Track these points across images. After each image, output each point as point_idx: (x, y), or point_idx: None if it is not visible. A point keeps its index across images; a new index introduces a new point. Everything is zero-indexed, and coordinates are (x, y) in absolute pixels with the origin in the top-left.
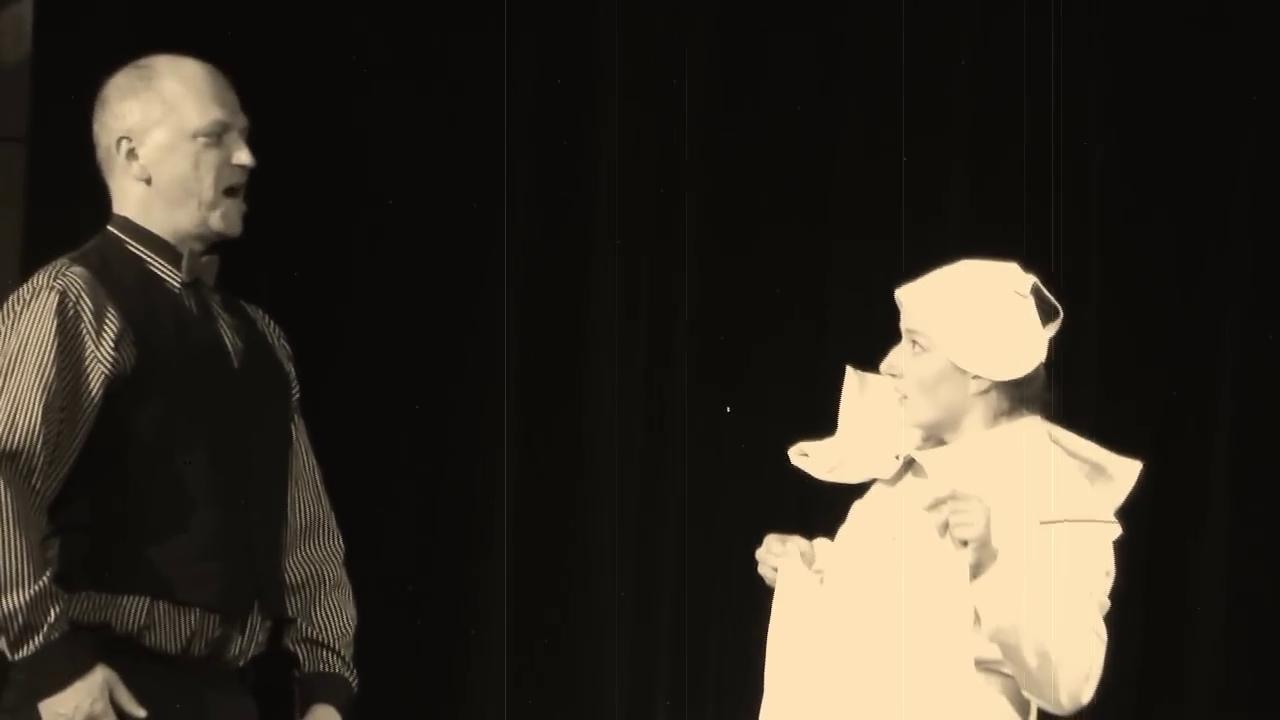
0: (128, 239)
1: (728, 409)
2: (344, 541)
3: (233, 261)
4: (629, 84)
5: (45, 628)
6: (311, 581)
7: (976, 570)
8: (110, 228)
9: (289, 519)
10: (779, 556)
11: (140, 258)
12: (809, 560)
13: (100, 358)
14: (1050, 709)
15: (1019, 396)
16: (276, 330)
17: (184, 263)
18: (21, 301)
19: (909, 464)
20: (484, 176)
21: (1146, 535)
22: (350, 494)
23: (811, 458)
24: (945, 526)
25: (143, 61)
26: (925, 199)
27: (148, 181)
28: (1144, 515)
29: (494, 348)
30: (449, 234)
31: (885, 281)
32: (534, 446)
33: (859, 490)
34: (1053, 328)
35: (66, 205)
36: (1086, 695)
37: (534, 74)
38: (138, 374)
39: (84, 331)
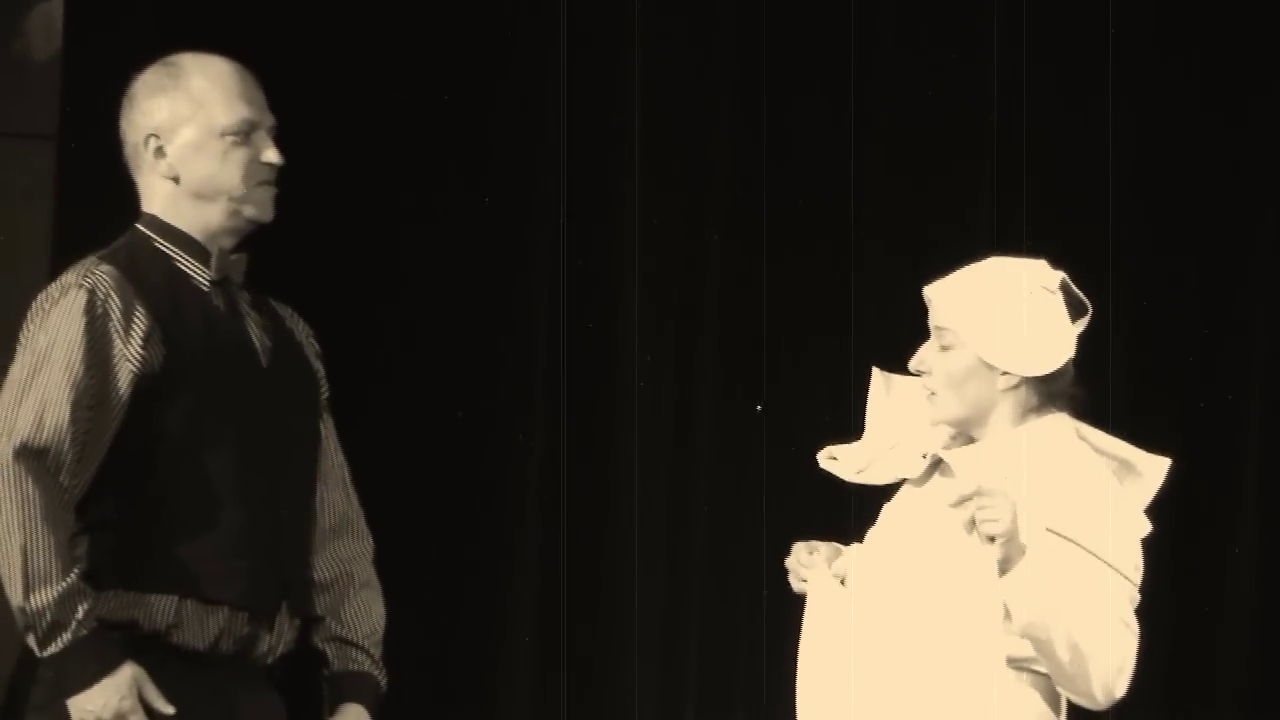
0: (156, 237)
1: (759, 408)
2: (374, 541)
3: (266, 262)
4: (655, 81)
5: (73, 625)
6: (340, 580)
7: (1005, 565)
8: (138, 225)
9: (318, 517)
10: (808, 568)
11: (168, 255)
12: (838, 564)
13: (128, 356)
14: (1085, 704)
15: (1047, 393)
16: (305, 329)
17: (212, 261)
18: (50, 300)
19: (937, 463)
20: (515, 184)
21: (1177, 538)
22: (382, 494)
23: (840, 461)
24: (972, 523)
25: (171, 59)
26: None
27: (175, 179)
28: (1174, 516)
29: (529, 356)
30: (482, 242)
31: (913, 295)
32: (564, 457)
33: (889, 493)
34: (1081, 323)
35: (96, 203)
36: (1120, 688)
37: (566, 80)
38: (166, 372)
39: (112, 330)
